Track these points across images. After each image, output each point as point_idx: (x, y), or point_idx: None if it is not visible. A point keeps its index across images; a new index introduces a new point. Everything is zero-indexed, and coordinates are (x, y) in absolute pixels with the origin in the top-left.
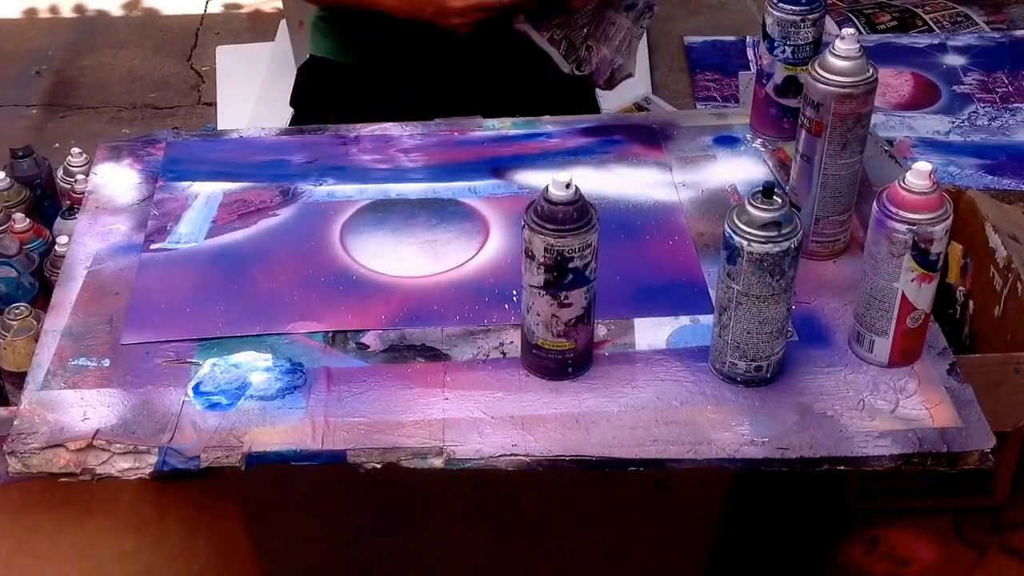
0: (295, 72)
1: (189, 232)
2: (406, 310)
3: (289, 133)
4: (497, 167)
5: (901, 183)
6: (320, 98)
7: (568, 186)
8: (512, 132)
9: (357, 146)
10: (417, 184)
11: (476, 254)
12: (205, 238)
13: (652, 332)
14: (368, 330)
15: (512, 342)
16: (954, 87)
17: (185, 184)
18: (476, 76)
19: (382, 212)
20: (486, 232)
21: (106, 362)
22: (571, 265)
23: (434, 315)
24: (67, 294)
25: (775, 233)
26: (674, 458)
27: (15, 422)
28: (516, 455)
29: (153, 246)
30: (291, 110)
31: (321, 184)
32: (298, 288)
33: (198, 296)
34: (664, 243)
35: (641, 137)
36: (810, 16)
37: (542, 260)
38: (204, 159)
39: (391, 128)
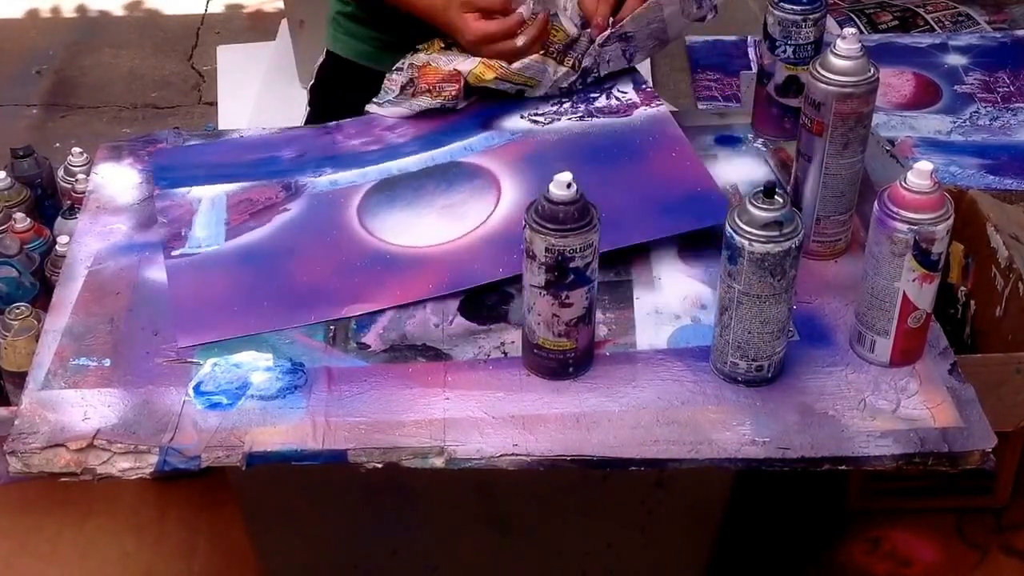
0: (296, 72)
1: (206, 236)
2: (450, 275)
3: (272, 132)
4: (484, 119)
5: (902, 183)
6: (340, 94)
7: (569, 186)
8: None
9: (341, 133)
10: (413, 156)
11: (496, 207)
12: (225, 240)
13: (653, 332)
14: (427, 300)
15: (513, 342)
16: (955, 87)
17: (183, 190)
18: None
19: (390, 190)
20: (497, 185)
21: (107, 362)
22: (572, 265)
23: (478, 273)
24: (68, 294)
25: (776, 233)
26: (675, 458)
27: (16, 422)
28: (517, 455)
29: (175, 253)
30: (293, 109)
31: (320, 175)
32: (337, 274)
33: (240, 295)
34: (667, 157)
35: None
36: (811, 16)
37: (543, 260)
38: (194, 163)
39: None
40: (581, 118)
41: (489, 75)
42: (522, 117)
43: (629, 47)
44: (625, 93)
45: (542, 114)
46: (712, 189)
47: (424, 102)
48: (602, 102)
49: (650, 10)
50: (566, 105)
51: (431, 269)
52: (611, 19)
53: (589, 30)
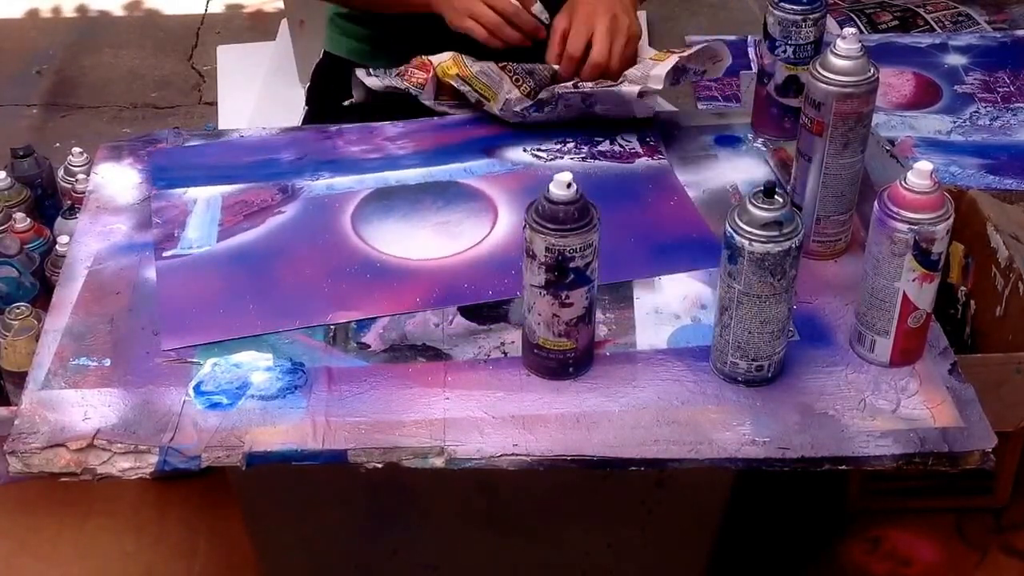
0: (296, 72)
1: (199, 237)
2: (438, 291)
3: (272, 133)
4: (487, 147)
5: (902, 183)
6: (337, 94)
7: (569, 186)
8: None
9: (342, 138)
10: (412, 170)
11: (491, 231)
12: (217, 241)
13: (653, 332)
14: (414, 312)
15: (513, 342)
16: (956, 87)
17: (180, 191)
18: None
19: (387, 200)
20: (494, 209)
21: (107, 362)
22: (572, 265)
23: (467, 292)
24: (68, 294)
25: (776, 232)
26: (675, 458)
27: (16, 422)
28: (517, 455)
29: (166, 253)
30: (292, 109)
31: (317, 178)
32: (326, 280)
33: (227, 297)
34: (666, 204)
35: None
36: (811, 16)
37: (543, 260)
38: (192, 164)
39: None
40: (583, 159)
41: (453, 71)
42: (525, 150)
43: (589, 99)
44: (629, 142)
45: (545, 150)
46: (708, 235)
47: (396, 82)
48: (605, 147)
49: (610, 90)
50: (569, 144)
51: (420, 283)
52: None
53: (554, 65)
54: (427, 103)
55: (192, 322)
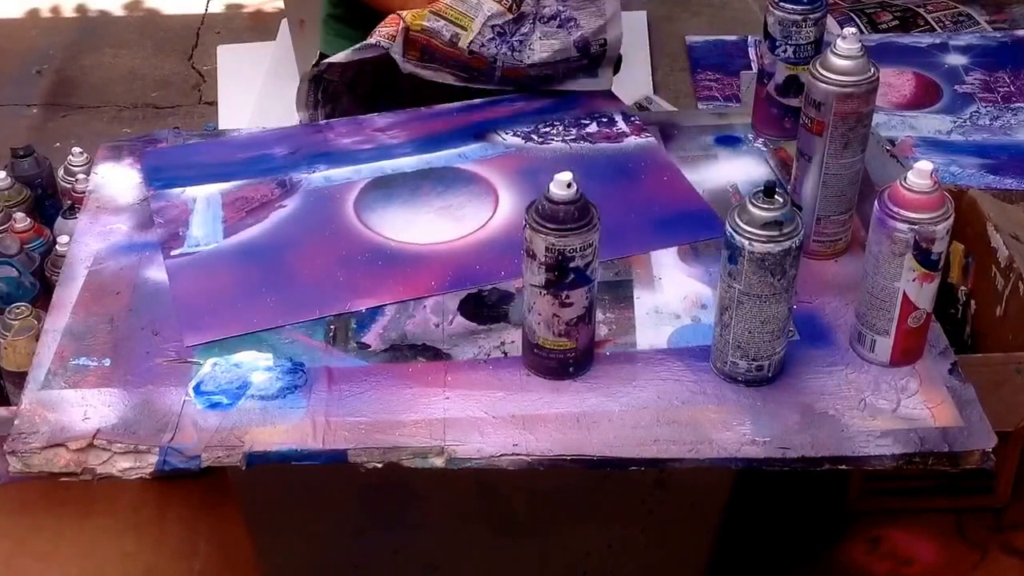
0: (296, 72)
1: (204, 234)
2: (451, 274)
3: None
4: (478, 131)
5: (902, 182)
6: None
7: (569, 185)
8: (477, 100)
9: (332, 131)
10: (407, 158)
11: (494, 212)
12: (223, 238)
13: (653, 332)
14: (431, 296)
15: (513, 341)
16: (956, 87)
17: (177, 190)
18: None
19: (386, 188)
20: (494, 192)
21: (107, 362)
22: (572, 264)
23: (481, 274)
24: (68, 294)
25: (776, 232)
26: (675, 458)
27: (16, 422)
28: (517, 455)
29: (174, 252)
30: (292, 109)
31: (314, 171)
32: (340, 270)
33: (243, 291)
34: (659, 179)
35: (598, 93)
36: (812, 15)
37: (543, 259)
38: (186, 163)
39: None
40: (573, 140)
41: (423, 14)
42: (516, 134)
43: (567, 8)
44: (616, 123)
45: (534, 132)
46: (705, 207)
47: (361, 43)
48: (592, 128)
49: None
50: (558, 128)
51: (433, 267)
52: None
53: None
54: (396, 57)
55: (212, 317)
